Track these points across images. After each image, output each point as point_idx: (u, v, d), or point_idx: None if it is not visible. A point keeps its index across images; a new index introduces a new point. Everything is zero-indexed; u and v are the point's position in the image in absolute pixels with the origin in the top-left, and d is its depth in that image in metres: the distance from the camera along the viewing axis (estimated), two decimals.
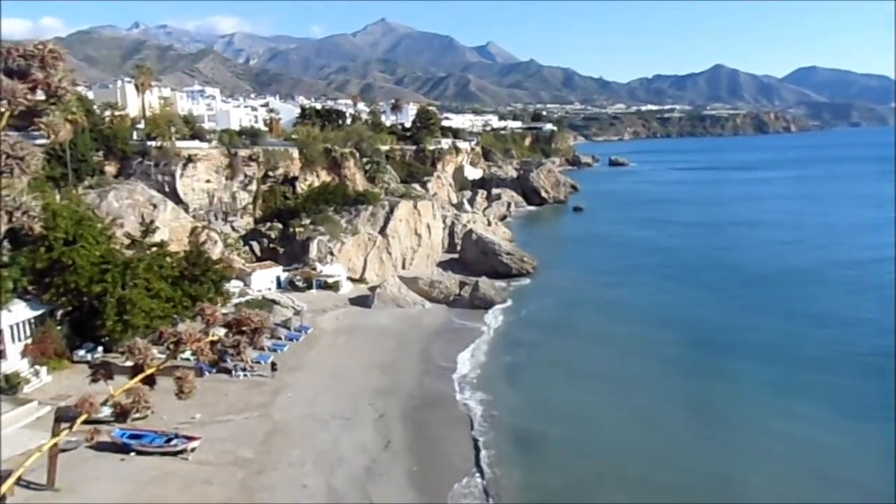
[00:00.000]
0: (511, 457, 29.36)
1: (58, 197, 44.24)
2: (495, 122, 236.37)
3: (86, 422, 8.19)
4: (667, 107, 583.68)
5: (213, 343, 6.48)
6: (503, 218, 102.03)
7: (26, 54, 4.25)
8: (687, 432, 31.69)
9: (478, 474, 27.61)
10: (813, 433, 31.27)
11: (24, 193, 4.13)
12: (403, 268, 63.27)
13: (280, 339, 42.32)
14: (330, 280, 55.21)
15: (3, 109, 4.09)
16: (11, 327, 33.10)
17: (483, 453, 29.30)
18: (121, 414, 6.69)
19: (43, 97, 4.29)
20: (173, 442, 27.19)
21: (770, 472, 27.90)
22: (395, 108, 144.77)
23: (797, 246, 77.54)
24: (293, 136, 78.48)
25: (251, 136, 70.34)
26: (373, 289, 54.75)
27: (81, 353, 35.90)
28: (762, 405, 34.44)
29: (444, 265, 66.62)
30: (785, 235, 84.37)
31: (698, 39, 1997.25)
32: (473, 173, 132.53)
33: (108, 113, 62.72)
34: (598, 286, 60.72)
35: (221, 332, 8.45)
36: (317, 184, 69.43)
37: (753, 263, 69.04)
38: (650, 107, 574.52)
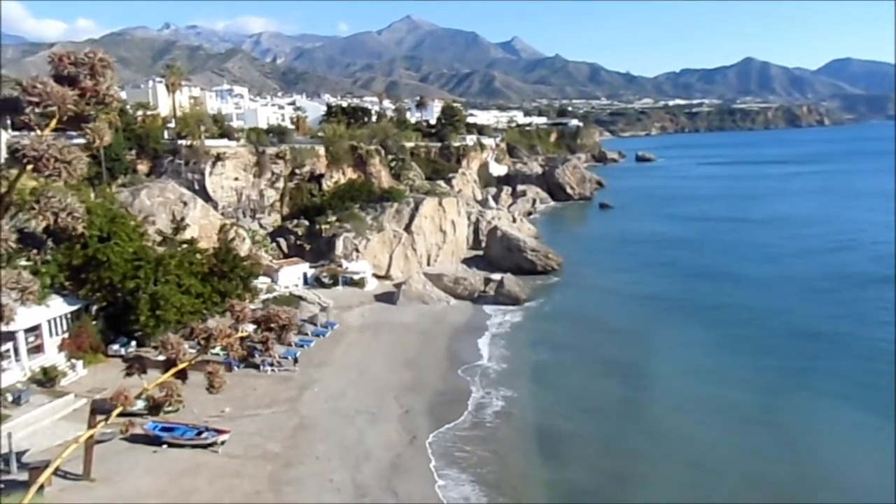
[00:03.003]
0: (529, 453, 29.35)
1: (92, 195, 45.40)
2: (520, 118, 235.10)
3: (120, 414, 8.45)
4: (695, 101, 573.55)
5: (242, 339, 6.66)
6: (528, 214, 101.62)
7: (77, 62, 4.44)
8: (719, 433, 31.25)
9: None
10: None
11: (68, 195, 4.32)
12: (428, 264, 63.48)
13: (307, 335, 42.86)
14: (356, 277, 55.68)
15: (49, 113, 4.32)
16: (49, 322, 34.15)
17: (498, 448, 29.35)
18: (154, 407, 6.92)
19: (88, 103, 4.48)
20: (203, 435, 27.77)
21: (817, 475, 27.42)
22: (420, 105, 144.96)
23: (828, 243, 75.64)
24: (319, 134, 79.24)
25: (278, 134, 71.27)
26: (398, 285, 55.04)
27: (115, 347, 36.82)
28: (797, 406, 33.83)
29: (468, 262, 66.69)
30: (816, 232, 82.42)
31: (728, 32, 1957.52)
32: (498, 170, 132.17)
33: (140, 113, 64.22)
34: (625, 283, 60.13)
35: (250, 328, 8.66)
36: (343, 181, 69.99)
37: (785, 261, 67.69)
38: (678, 101, 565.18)
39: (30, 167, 4.30)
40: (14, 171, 4.69)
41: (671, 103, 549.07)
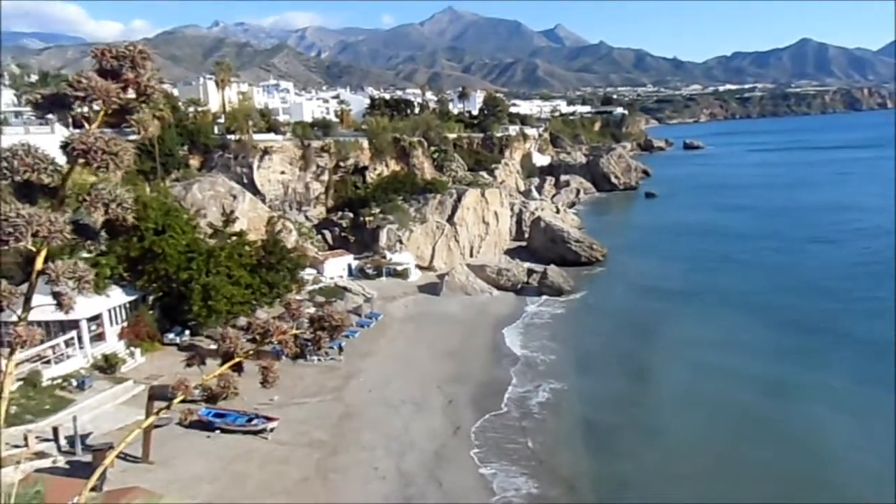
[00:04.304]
0: (574, 445, 29.15)
1: (148, 189, 47.12)
2: (564, 107, 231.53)
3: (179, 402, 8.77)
4: (747, 86, 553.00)
5: (296, 337, 6.82)
6: (572, 205, 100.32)
7: (118, 55, 4.61)
8: (769, 435, 30.31)
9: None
10: None
11: (118, 186, 4.53)
12: (471, 256, 63.48)
13: (351, 325, 43.48)
14: (399, 268, 56.17)
15: (98, 108, 4.49)
16: (110, 311, 35.75)
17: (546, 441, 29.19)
18: (210, 397, 7.15)
19: (133, 96, 4.65)
20: (254, 422, 28.64)
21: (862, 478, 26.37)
22: (463, 96, 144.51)
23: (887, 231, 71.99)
24: (363, 127, 79.92)
25: (323, 127, 72.23)
26: (441, 276, 55.29)
27: (171, 335, 38.25)
28: (845, 406, 32.51)
29: (511, 253, 66.35)
30: (874, 220, 78.51)
31: (782, 12, 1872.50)
32: (541, 160, 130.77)
33: (191, 109, 66.06)
34: (671, 275, 58.72)
35: (304, 323, 8.79)
36: (386, 173, 70.56)
37: (843, 251, 64.91)
38: (728, 86, 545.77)
39: (80, 160, 4.49)
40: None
41: (721, 89, 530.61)
